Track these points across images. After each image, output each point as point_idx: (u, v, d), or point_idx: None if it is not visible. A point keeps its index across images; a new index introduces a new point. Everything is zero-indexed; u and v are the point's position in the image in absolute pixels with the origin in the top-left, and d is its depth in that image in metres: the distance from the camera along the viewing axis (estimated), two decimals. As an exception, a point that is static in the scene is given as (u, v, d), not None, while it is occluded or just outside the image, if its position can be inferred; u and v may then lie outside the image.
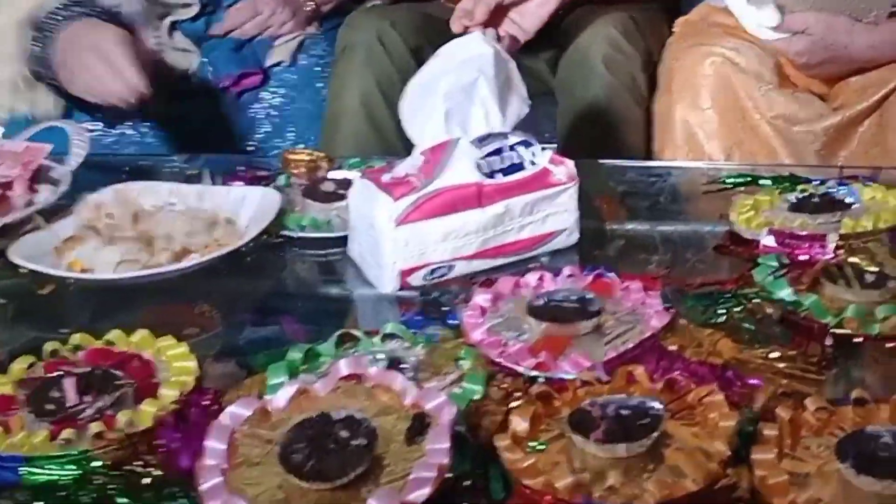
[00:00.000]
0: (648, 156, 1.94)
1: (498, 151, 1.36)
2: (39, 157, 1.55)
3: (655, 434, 0.96)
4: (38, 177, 1.54)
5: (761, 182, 1.57)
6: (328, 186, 1.56)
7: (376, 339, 1.17)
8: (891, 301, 1.20)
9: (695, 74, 1.87)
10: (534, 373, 1.10)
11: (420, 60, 1.92)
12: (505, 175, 1.36)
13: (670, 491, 0.92)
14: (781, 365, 1.11)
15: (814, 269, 1.27)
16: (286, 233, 1.46)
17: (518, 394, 1.07)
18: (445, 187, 1.32)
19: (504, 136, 1.37)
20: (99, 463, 1.01)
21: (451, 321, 1.22)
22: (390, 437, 0.98)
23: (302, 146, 1.75)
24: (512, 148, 1.37)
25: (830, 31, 1.80)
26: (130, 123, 2.00)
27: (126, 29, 1.80)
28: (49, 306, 1.35)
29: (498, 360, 1.12)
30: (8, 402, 1.09)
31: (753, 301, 1.23)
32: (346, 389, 1.05)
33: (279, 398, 1.03)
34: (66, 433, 1.03)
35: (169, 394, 1.08)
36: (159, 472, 1.00)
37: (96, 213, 1.44)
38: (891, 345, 1.15)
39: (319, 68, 2.09)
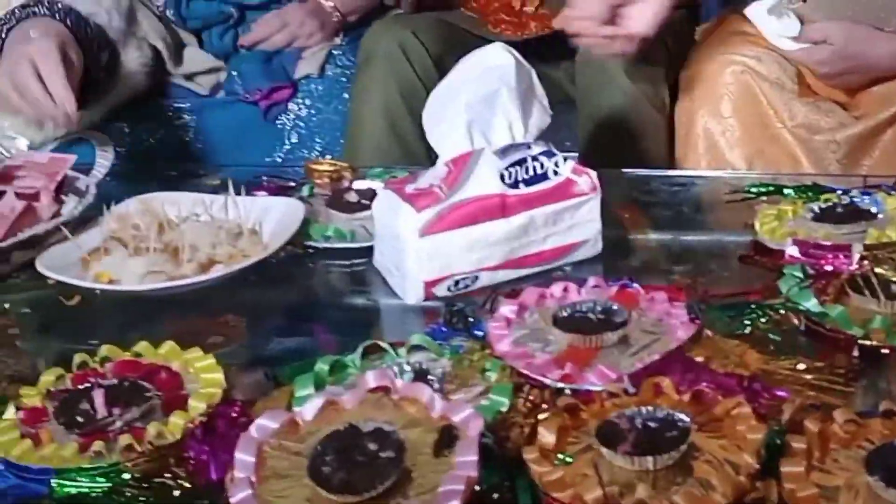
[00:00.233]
0: (670, 164, 1.94)
1: (521, 162, 1.36)
2: (65, 167, 1.56)
3: (683, 447, 0.96)
4: (64, 188, 1.55)
5: (784, 192, 1.57)
6: (352, 197, 1.56)
7: (402, 351, 1.18)
8: (918, 312, 1.19)
9: (716, 83, 1.86)
10: (560, 384, 1.10)
11: (442, 69, 1.93)
12: (528, 185, 1.36)
13: (699, 504, 0.92)
14: (808, 377, 1.11)
15: (839, 279, 1.26)
16: (310, 243, 1.47)
17: (545, 406, 1.07)
18: (469, 198, 1.33)
19: (527, 146, 1.37)
20: (128, 476, 1.02)
21: (476, 332, 1.22)
22: (418, 450, 0.98)
23: (329, 156, 1.75)
24: (535, 158, 1.37)
25: (851, 41, 1.79)
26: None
27: (94, 40, 1.77)
28: (76, 317, 1.36)
29: (524, 371, 1.13)
30: (38, 414, 1.10)
31: (779, 312, 1.23)
32: (373, 401, 1.05)
33: (307, 410, 1.04)
34: (96, 446, 1.04)
35: (197, 406, 1.09)
36: (188, 485, 1.01)
37: (122, 223, 1.44)
38: (918, 356, 1.15)
39: (345, 79, 2.09)
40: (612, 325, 1.18)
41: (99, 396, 1.09)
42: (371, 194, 1.50)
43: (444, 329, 1.23)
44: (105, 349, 1.19)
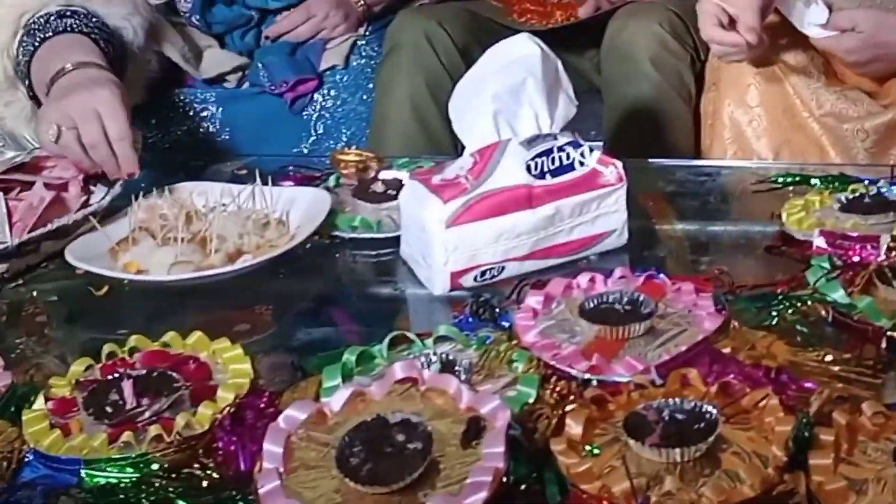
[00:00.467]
0: (696, 154, 1.93)
1: (547, 152, 1.36)
2: (94, 158, 1.57)
3: (711, 439, 0.96)
4: (93, 178, 1.56)
5: (811, 181, 1.56)
6: (378, 187, 1.57)
7: (429, 342, 1.18)
8: (946, 303, 1.19)
9: (742, 72, 1.85)
10: (587, 376, 1.10)
11: (468, 59, 1.93)
12: (554, 176, 1.36)
13: (727, 496, 0.91)
14: (836, 368, 1.11)
15: (867, 270, 1.26)
16: (337, 233, 1.47)
17: (572, 397, 1.07)
18: (495, 189, 1.33)
19: (553, 136, 1.37)
20: (157, 466, 1.03)
21: (503, 323, 1.22)
22: (446, 441, 0.98)
23: (355, 147, 1.75)
24: (561, 149, 1.37)
25: (880, 29, 1.78)
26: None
27: (119, 59, 1.75)
28: (104, 308, 1.37)
29: (551, 362, 1.13)
30: (67, 404, 1.11)
31: (806, 303, 1.23)
32: (401, 392, 1.05)
33: (335, 401, 1.04)
34: (125, 436, 1.04)
35: (225, 396, 1.09)
36: (217, 475, 1.02)
37: (150, 214, 1.45)
38: (946, 348, 1.15)
39: (370, 69, 2.09)
40: (639, 315, 1.18)
41: (128, 387, 1.09)
42: (397, 184, 1.51)
43: (470, 320, 1.23)
44: (133, 339, 1.20)
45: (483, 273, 1.33)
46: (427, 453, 0.96)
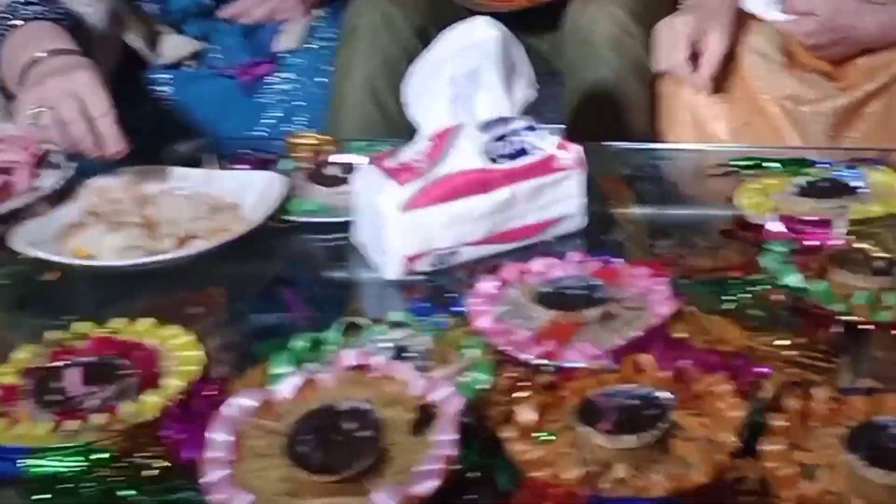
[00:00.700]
0: (655, 137, 1.93)
1: (504, 136, 1.35)
2: (43, 141, 1.54)
3: (664, 425, 0.95)
4: (42, 162, 1.53)
5: (769, 165, 1.56)
6: (333, 170, 1.54)
7: (382, 328, 1.17)
8: (900, 288, 1.19)
9: (701, 55, 1.85)
10: (540, 361, 1.09)
11: (426, 42, 1.90)
12: (511, 160, 1.35)
13: (679, 483, 0.91)
14: (790, 353, 1.10)
15: (822, 255, 1.26)
16: (291, 218, 1.45)
17: (525, 383, 1.06)
18: (451, 173, 1.32)
19: (510, 120, 1.36)
20: (103, 455, 1.01)
21: (456, 308, 1.21)
22: (397, 429, 0.97)
23: (314, 130, 1.73)
24: (518, 133, 1.36)
25: (838, 13, 1.78)
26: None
27: (85, 45, 1.69)
28: (52, 293, 1.34)
29: (504, 348, 1.12)
30: (11, 392, 1.09)
31: (761, 288, 1.22)
32: (351, 379, 1.04)
33: (284, 389, 1.03)
34: (70, 424, 1.02)
35: (174, 384, 1.08)
36: (164, 464, 1.00)
37: (100, 198, 1.43)
38: (901, 332, 1.15)
39: (327, 52, 2.07)
40: (594, 301, 1.17)
41: (74, 374, 1.08)
42: (352, 168, 1.49)
43: (424, 305, 1.22)
44: (81, 326, 1.18)
45: (438, 258, 1.32)
46: (377, 441, 0.95)
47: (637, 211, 1.53)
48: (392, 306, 1.22)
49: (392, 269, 1.31)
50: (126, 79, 2.02)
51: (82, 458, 1.00)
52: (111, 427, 1.03)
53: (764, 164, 1.56)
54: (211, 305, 1.32)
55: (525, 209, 1.36)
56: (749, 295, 1.21)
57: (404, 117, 1.41)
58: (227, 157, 1.54)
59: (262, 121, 2.04)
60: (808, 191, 1.43)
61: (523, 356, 1.10)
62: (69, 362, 1.10)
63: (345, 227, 1.41)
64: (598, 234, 1.42)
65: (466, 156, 1.32)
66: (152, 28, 2.08)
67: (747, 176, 1.54)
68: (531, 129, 1.37)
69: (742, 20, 1.86)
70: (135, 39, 1.99)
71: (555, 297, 1.19)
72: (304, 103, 2.05)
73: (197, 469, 0.96)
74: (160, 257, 1.33)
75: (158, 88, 2.05)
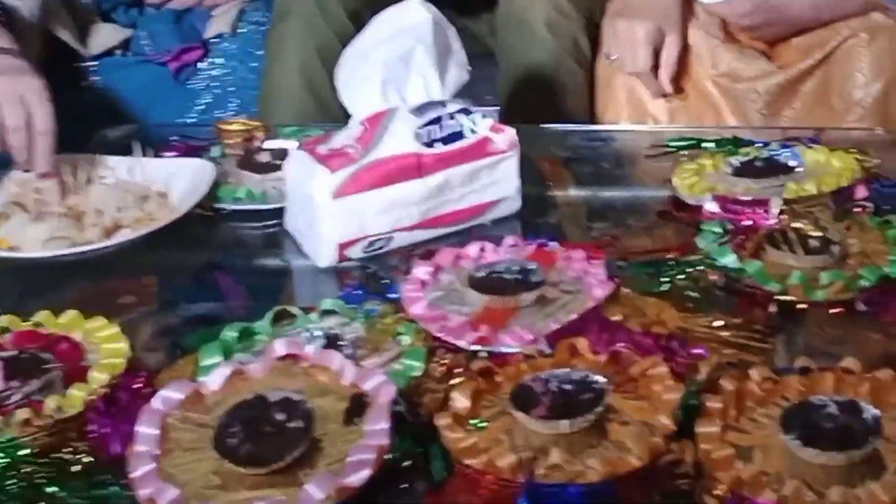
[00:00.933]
0: (592, 118, 1.92)
1: (437, 120, 1.33)
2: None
3: (599, 409, 0.94)
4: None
5: (705, 145, 1.55)
6: (264, 157, 1.52)
7: (313, 316, 1.15)
8: (835, 266, 1.19)
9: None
10: (475, 347, 1.08)
11: (360, 25, 1.87)
12: (445, 144, 1.33)
13: (614, 467, 0.90)
14: (726, 334, 1.10)
15: (757, 235, 1.25)
16: (221, 205, 1.43)
17: (459, 370, 1.05)
18: (384, 158, 1.30)
19: (443, 104, 1.34)
20: (27, 451, 0.98)
21: (390, 295, 1.19)
22: (328, 419, 0.96)
23: (244, 116, 1.71)
24: (451, 116, 1.34)
25: (771, -7, 1.78)
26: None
27: (20, 37, 1.68)
28: (-26, 286, 1.31)
29: (438, 334, 1.10)
30: (-69, 388, 1.06)
31: (697, 269, 1.22)
32: (282, 370, 1.02)
33: (213, 380, 1.01)
34: (-7, 420, 0.99)
35: (99, 377, 1.05)
36: (90, 459, 0.98)
37: (23, 188, 1.40)
38: (835, 311, 1.14)
39: (259, 36, 2.04)
40: (529, 284, 1.16)
41: (-4, 369, 1.05)
42: (284, 154, 1.46)
43: (357, 292, 1.20)
44: (3, 319, 1.15)
45: (371, 244, 1.30)
46: (308, 432, 0.93)
47: (574, 193, 1.52)
48: (325, 294, 1.20)
49: (325, 257, 1.29)
50: (54, 66, 1.98)
51: (4, 455, 0.97)
52: (35, 423, 1.00)
53: (700, 144, 1.56)
54: (140, 296, 1.28)
55: (460, 193, 1.35)
56: (685, 276, 1.21)
57: (338, 102, 1.38)
58: (156, 144, 1.50)
59: (194, 107, 2.01)
60: (744, 170, 1.42)
61: (458, 342, 1.09)
62: (-9, 357, 1.07)
63: (276, 214, 1.39)
64: (534, 217, 1.41)
65: (399, 140, 1.31)
66: (82, 19, 2.04)
67: (684, 156, 1.53)
68: (465, 112, 1.35)
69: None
70: (64, 32, 1.95)
71: (490, 282, 1.18)
72: (235, 89, 2.02)
73: (123, 464, 0.94)
74: (85, 248, 1.30)
75: (86, 76, 2.01)
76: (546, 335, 1.08)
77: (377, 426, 0.93)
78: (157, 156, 1.47)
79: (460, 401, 0.98)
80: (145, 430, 0.95)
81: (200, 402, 0.99)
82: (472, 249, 1.26)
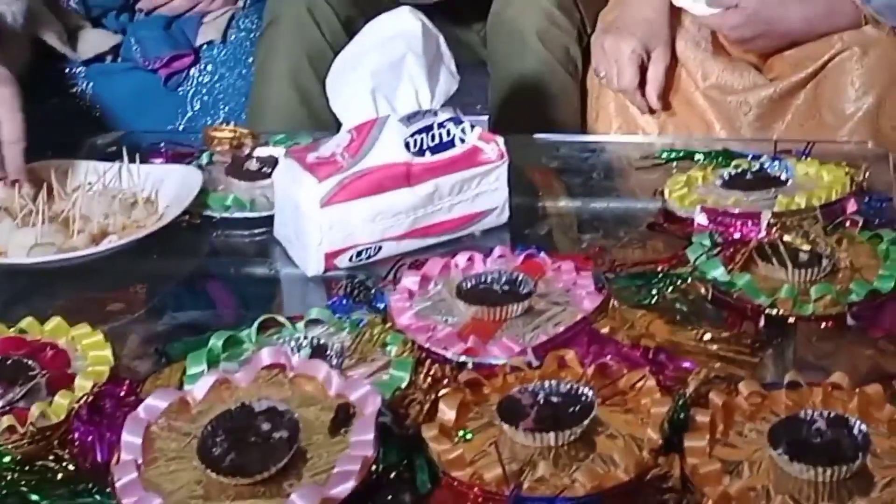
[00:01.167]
0: (583, 128, 1.92)
1: (427, 129, 1.33)
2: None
3: (586, 422, 0.94)
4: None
5: (695, 157, 1.55)
6: (252, 164, 1.51)
7: (300, 325, 1.14)
8: (824, 280, 1.18)
9: (629, 44, 1.84)
10: (462, 358, 1.08)
11: (351, 32, 1.86)
12: (434, 153, 1.33)
13: (600, 481, 0.89)
14: (714, 347, 1.10)
15: (747, 248, 1.25)
16: (209, 213, 1.42)
17: (446, 381, 1.04)
18: (373, 167, 1.29)
19: (433, 113, 1.34)
20: (9, 458, 0.98)
21: (378, 305, 1.18)
22: (313, 429, 0.95)
23: (232, 123, 1.70)
24: (441, 125, 1.34)
25: (763, 5, 1.77)
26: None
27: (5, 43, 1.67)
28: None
29: (426, 345, 1.10)
30: (-87, 395, 1.05)
31: (687, 281, 1.21)
32: (268, 379, 1.02)
33: (198, 389, 1.00)
34: (-25, 427, 0.99)
35: (83, 384, 1.04)
36: (72, 468, 0.97)
37: (9, 193, 1.39)
38: (824, 325, 1.14)
39: (249, 43, 2.04)
40: (517, 296, 1.16)
41: (-21, 376, 1.04)
42: (273, 162, 1.46)
43: (344, 302, 1.19)
44: (-12, 326, 1.14)
45: (359, 253, 1.30)
46: (293, 442, 0.92)
47: (564, 204, 1.52)
48: (313, 303, 1.20)
49: (312, 266, 1.29)
50: (43, 72, 1.98)
51: (-13, 463, 0.97)
52: (17, 430, 0.99)
53: (690, 156, 1.55)
54: (127, 303, 1.28)
55: (449, 203, 1.34)
56: (674, 289, 1.20)
57: (329, 108, 1.38)
58: (144, 151, 1.50)
59: (183, 114, 2.00)
60: (734, 183, 1.42)
61: (445, 353, 1.08)
62: (-26, 364, 1.06)
63: (264, 222, 1.39)
64: (523, 228, 1.40)
65: (389, 149, 1.30)
66: (71, 24, 2.03)
67: (673, 168, 1.53)
68: (455, 121, 1.34)
69: (675, 9, 1.85)
70: (52, 37, 1.94)
71: (478, 293, 1.17)
72: (224, 96, 2.01)
73: (106, 473, 0.94)
74: (71, 255, 1.29)
75: (73, 82, 2.00)
76: (534, 347, 1.08)
77: (363, 437, 0.93)
78: (144, 163, 1.46)
79: (447, 412, 0.97)
80: (129, 438, 0.95)
81: (185, 410, 0.99)
82: (461, 259, 1.25)
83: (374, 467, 0.92)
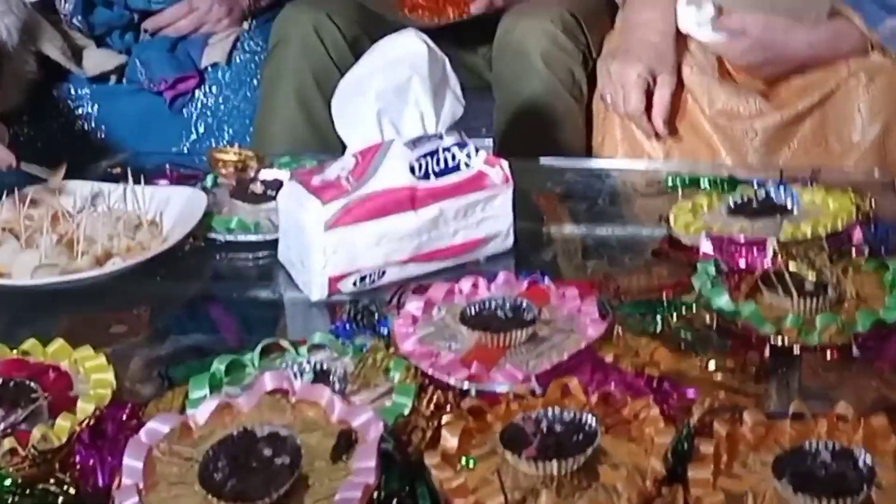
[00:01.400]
0: (588, 153, 1.92)
1: (432, 153, 1.33)
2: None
3: (589, 451, 0.93)
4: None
5: (701, 184, 1.55)
6: (257, 187, 1.51)
7: (303, 350, 1.14)
8: (830, 310, 1.18)
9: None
10: (465, 385, 1.07)
11: (358, 53, 1.88)
12: (439, 177, 1.33)
13: (603, 512, 0.89)
14: (719, 376, 1.09)
15: (753, 276, 1.24)
16: (213, 235, 1.42)
17: (449, 408, 1.04)
18: (377, 191, 1.29)
19: (439, 136, 1.34)
20: (10, 481, 0.97)
21: (381, 330, 1.18)
22: (315, 455, 0.95)
23: (237, 145, 1.70)
24: (446, 149, 1.34)
25: (768, 31, 1.78)
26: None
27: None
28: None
29: (429, 371, 1.09)
30: (-84, 417, 1.05)
31: (691, 309, 1.21)
32: (270, 404, 1.01)
33: (200, 413, 1.00)
34: (-24, 450, 0.98)
35: (85, 407, 1.04)
36: (73, 491, 0.96)
37: (14, 214, 1.39)
38: (830, 355, 1.13)
39: (254, 65, 2.04)
40: (521, 322, 1.15)
41: (-19, 398, 1.04)
42: (278, 185, 1.46)
43: (348, 327, 1.19)
44: (-10, 348, 1.14)
45: (363, 278, 1.30)
46: (295, 468, 0.92)
47: (567, 229, 1.51)
48: (316, 327, 1.19)
49: (316, 290, 1.28)
50: (48, 93, 1.98)
51: (-14, 486, 0.96)
52: (19, 453, 0.99)
53: (696, 182, 1.55)
54: (130, 326, 1.28)
55: (453, 228, 1.34)
56: (678, 317, 1.20)
57: (335, 129, 1.38)
58: (149, 173, 1.50)
59: (188, 136, 2.00)
60: (739, 210, 1.42)
61: (448, 379, 1.08)
62: (-24, 385, 1.06)
63: (269, 245, 1.39)
64: (528, 253, 1.40)
65: (393, 173, 1.30)
66: (73, 41, 2.04)
67: (680, 195, 1.52)
68: (460, 145, 1.34)
69: (681, 35, 1.85)
70: (54, 51, 1.94)
71: (482, 319, 1.16)
72: (228, 118, 2.02)
73: (107, 497, 0.93)
74: (75, 276, 1.29)
75: (78, 104, 2.00)
76: (537, 374, 1.07)
77: (365, 464, 0.92)
78: (148, 184, 1.46)
79: (450, 439, 0.97)
80: (131, 462, 0.94)
81: (187, 435, 0.98)
82: (465, 285, 1.24)
83: (375, 494, 0.91)
